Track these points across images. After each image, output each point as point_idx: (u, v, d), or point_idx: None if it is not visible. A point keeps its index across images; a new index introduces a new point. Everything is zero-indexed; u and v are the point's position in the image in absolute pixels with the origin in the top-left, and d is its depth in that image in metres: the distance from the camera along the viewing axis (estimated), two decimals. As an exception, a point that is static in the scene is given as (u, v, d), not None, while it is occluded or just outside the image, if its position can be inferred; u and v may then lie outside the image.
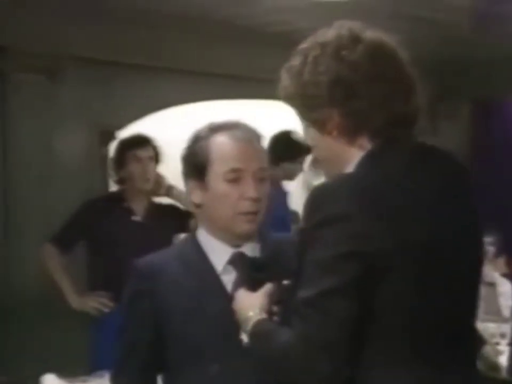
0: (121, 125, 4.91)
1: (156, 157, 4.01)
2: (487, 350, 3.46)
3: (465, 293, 1.63)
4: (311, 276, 1.51)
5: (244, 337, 1.74)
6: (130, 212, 3.98)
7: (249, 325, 1.71)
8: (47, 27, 4.52)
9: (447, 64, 6.05)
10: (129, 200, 4.00)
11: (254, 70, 4.98)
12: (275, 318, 1.75)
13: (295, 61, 1.67)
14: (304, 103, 1.65)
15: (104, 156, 4.94)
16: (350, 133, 1.62)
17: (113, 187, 5.40)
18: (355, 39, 1.63)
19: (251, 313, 1.73)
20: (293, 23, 4.70)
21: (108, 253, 3.86)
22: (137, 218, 3.98)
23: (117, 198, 4.04)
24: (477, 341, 1.77)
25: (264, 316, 1.72)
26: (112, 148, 4.17)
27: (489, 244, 5.42)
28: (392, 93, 1.62)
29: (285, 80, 1.69)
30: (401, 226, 1.52)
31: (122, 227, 3.92)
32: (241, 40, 5.09)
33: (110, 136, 4.89)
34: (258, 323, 1.70)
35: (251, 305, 1.75)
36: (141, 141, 4.00)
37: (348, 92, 1.59)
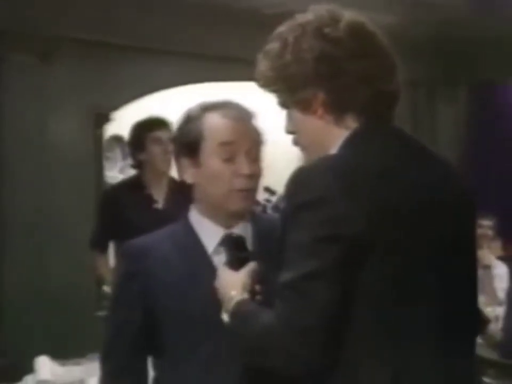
0: (116, 106, 4.90)
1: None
2: (491, 328, 3.47)
3: (455, 277, 1.60)
4: (292, 258, 1.50)
5: (224, 317, 1.72)
6: (150, 200, 3.93)
7: (231, 305, 1.70)
8: (41, 8, 4.49)
9: (446, 46, 6.02)
10: (149, 186, 3.95)
11: (249, 52, 4.97)
12: (258, 297, 1.74)
13: (272, 44, 1.67)
14: (286, 85, 1.64)
15: (99, 137, 4.94)
16: (336, 111, 1.62)
17: (109, 170, 5.44)
18: (336, 18, 1.63)
19: (233, 293, 1.72)
20: (289, 5, 4.67)
21: None
22: (158, 206, 3.95)
23: (136, 185, 3.99)
24: (475, 325, 1.73)
25: (246, 295, 1.71)
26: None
27: (487, 227, 5.43)
28: (376, 70, 1.62)
29: (263, 65, 1.68)
30: (381, 208, 1.51)
31: (144, 217, 3.83)
32: (237, 22, 5.07)
33: (105, 118, 4.88)
34: (240, 303, 1.68)
35: (233, 284, 1.74)
36: (161, 123, 3.98)
37: (333, 68, 1.59)
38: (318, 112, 1.63)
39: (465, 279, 1.65)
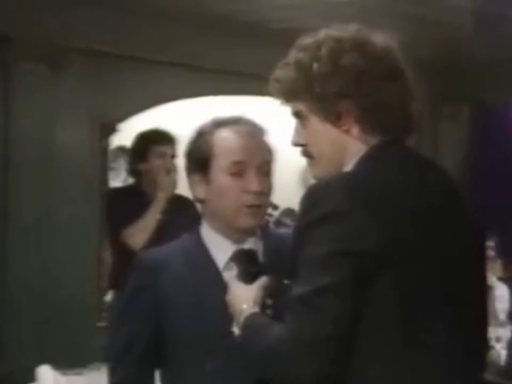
0: (123, 117, 4.90)
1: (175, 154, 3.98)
2: (492, 354, 3.47)
3: (465, 295, 1.61)
4: (306, 273, 1.51)
5: (235, 330, 1.73)
6: (148, 208, 3.95)
7: (242, 318, 1.70)
8: (50, 16, 4.50)
9: (448, 65, 6.04)
10: (148, 194, 3.95)
11: (256, 66, 4.98)
12: (268, 311, 1.75)
13: (300, 54, 1.67)
14: (317, 96, 1.63)
15: (105, 148, 4.94)
16: (364, 127, 1.63)
17: (113, 180, 5.45)
18: (370, 38, 1.66)
19: (244, 306, 1.72)
20: (295, 20, 4.70)
21: (126, 252, 3.83)
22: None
23: (136, 192, 3.99)
24: (484, 346, 1.74)
25: (257, 309, 1.72)
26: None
27: (488, 248, 5.44)
28: (406, 93, 1.65)
29: (289, 74, 1.67)
30: (396, 225, 1.52)
31: None
32: (243, 36, 5.08)
33: (111, 129, 4.88)
34: (251, 316, 1.69)
35: (245, 298, 1.75)
36: (166, 137, 3.98)
37: (372, 85, 1.61)
38: (345, 126, 1.64)
39: (475, 294, 1.66)
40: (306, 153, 1.72)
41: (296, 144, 1.74)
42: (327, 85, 1.62)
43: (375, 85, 1.61)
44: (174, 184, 3.90)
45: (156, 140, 3.97)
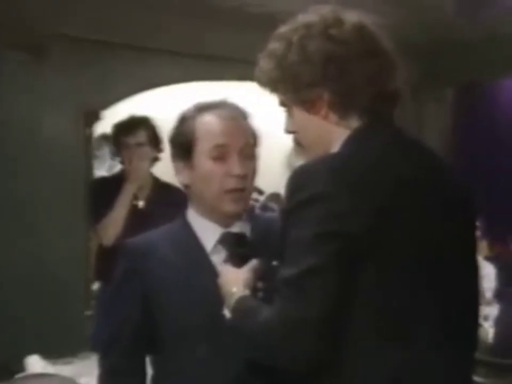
0: (107, 105, 4.88)
1: (149, 140, 3.92)
2: (480, 332, 3.50)
3: (456, 277, 1.62)
4: (293, 255, 1.52)
5: (226, 313, 1.74)
6: (132, 195, 3.90)
7: (232, 301, 1.71)
8: (32, 4, 4.47)
9: (431, 47, 6.04)
10: None
11: (238, 50, 4.97)
12: (259, 293, 1.76)
13: (276, 44, 1.67)
14: (291, 85, 1.65)
15: (89, 136, 4.91)
16: (339, 111, 1.63)
17: (97, 168, 5.43)
18: (340, 19, 1.65)
19: (234, 289, 1.73)
20: (272, 5, 4.68)
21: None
22: (138, 203, 3.93)
23: (120, 181, 3.92)
24: (475, 327, 1.74)
25: (247, 292, 1.73)
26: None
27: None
28: (381, 69, 1.64)
29: (267, 65, 1.68)
30: (383, 206, 1.52)
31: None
32: (224, 21, 5.06)
33: (95, 117, 4.86)
34: (241, 299, 1.70)
35: (235, 281, 1.76)
36: (129, 126, 3.92)
37: (340, 70, 1.60)
38: (321, 112, 1.64)
39: (465, 276, 1.66)
40: (296, 140, 1.74)
41: (287, 131, 1.75)
42: (299, 74, 1.63)
43: (344, 68, 1.60)
44: (140, 174, 3.86)
45: (121, 130, 3.92)
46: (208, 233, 1.98)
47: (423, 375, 1.55)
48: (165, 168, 3.32)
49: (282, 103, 1.72)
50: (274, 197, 6.03)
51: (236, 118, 1.99)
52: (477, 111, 6.71)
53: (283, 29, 1.69)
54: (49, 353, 3.33)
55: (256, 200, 5.66)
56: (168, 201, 3.63)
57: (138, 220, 3.71)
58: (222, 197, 1.93)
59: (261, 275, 1.79)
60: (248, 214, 2.03)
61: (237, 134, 1.96)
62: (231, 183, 1.93)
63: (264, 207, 5.87)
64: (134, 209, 3.87)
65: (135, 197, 3.90)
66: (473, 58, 6.16)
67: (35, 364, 3.23)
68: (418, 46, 5.68)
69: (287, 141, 1.87)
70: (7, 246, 4.44)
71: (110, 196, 3.85)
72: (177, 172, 2.02)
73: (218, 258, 1.94)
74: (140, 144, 3.87)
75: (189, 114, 2.00)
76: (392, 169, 1.58)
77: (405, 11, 5.11)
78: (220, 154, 1.93)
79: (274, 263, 1.72)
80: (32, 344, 3.81)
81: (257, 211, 5.22)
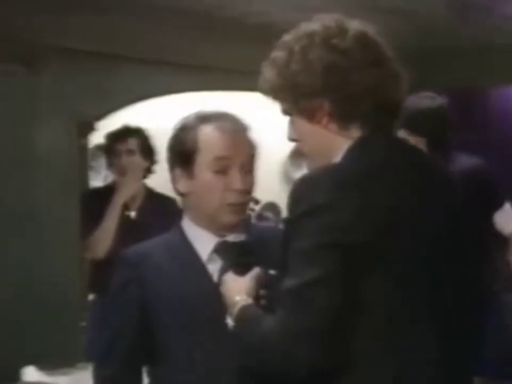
0: (101, 115, 4.88)
1: (141, 150, 3.91)
2: None
3: (457, 280, 1.64)
4: (295, 266, 1.53)
5: (229, 321, 1.75)
6: (124, 206, 3.90)
7: (235, 310, 1.72)
8: (25, 15, 4.47)
9: (425, 54, 6.06)
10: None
11: (236, 62, 4.99)
12: (262, 302, 1.76)
13: (279, 53, 1.68)
14: (292, 94, 1.66)
15: (84, 146, 4.91)
16: (340, 120, 1.64)
17: (93, 179, 5.42)
18: (343, 29, 1.66)
19: (237, 298, 1.74)
20: (272, 14, 4.70)
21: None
22: (129, 213, 3.92)
23: (113, 190, 3.94)
24: (476, 328, 1.76)
25: (250, 301, 1.74)
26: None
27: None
28: (383, 79, 1.65)
29: (269, 73, 1.69)
30: (383, 217, 1.53)
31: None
32: (221, 31, 5.07)
33: (89, 127, 4.86)
34: (244, 308, 1.71)
35: (238, 289, 1.77)
36: (121, 135, 3.93)
37: (341, 79, 1.61)
38: (322, 122, 1.65)
39: (466, 281, 1.68)
40: (299, 149, 1.75)
41: (290, 139, 1.76)
42: (299, 83, 1.63)
43: (345, 78, 1.61)
44: (129, 184, 3.85)
45: (114, 139, 3.95)
46: (203, 242, 1.99)
47: (423, 376, 1.57)
48: (159, 179, 3.34)
49: (285, 111, 1.73)
50: (270, 206, 6.03)
51: (238, 131, 2.00)
52: (471, 118, 6.72)
53: (287, 38, 1.70)
54: (46, 364, 3.32)
55: (252, 210, 5.66)
56: (160, 212, 3.64)
57: (130, 230, 3.70)
58: (221, 210, 1.95)
59: (263, 283, 1.80)
60: (244, 223, 2.03)
61: (239, 148, 1.97)
62: (232, 198, 1.95)
63: (260, 217, 5.87)
64: (126, 220, 3.86)
65: (127, 208, 3.90)
66: (467, 66, 6.19)
67: (31, 375, 3.23)
68: (411, 54, 5.69)
69: (283, 151, 1.88)
70: (2, 257, 4.43)
71: (101, 208, 3.84)
72: (175, 180, 2.03)
73: (213, 267, 1.96)
74: (130, 151, 3.87)
75: (190, 123, 2.01)
76: (393, 179, 1.59)
77: (399, 19, 5.13)
78: (221, 167, 1.94)
79: (271, 272, 1.73)
80: (28, 354, 3.80)
81: (253, 220, 5.23)
